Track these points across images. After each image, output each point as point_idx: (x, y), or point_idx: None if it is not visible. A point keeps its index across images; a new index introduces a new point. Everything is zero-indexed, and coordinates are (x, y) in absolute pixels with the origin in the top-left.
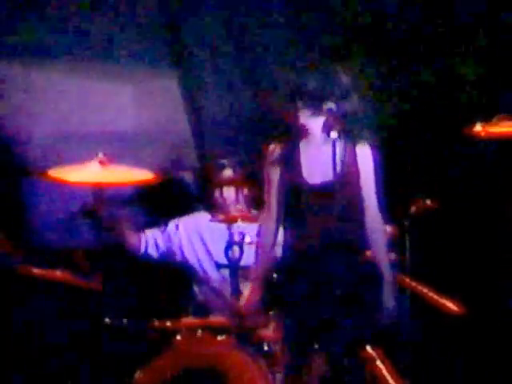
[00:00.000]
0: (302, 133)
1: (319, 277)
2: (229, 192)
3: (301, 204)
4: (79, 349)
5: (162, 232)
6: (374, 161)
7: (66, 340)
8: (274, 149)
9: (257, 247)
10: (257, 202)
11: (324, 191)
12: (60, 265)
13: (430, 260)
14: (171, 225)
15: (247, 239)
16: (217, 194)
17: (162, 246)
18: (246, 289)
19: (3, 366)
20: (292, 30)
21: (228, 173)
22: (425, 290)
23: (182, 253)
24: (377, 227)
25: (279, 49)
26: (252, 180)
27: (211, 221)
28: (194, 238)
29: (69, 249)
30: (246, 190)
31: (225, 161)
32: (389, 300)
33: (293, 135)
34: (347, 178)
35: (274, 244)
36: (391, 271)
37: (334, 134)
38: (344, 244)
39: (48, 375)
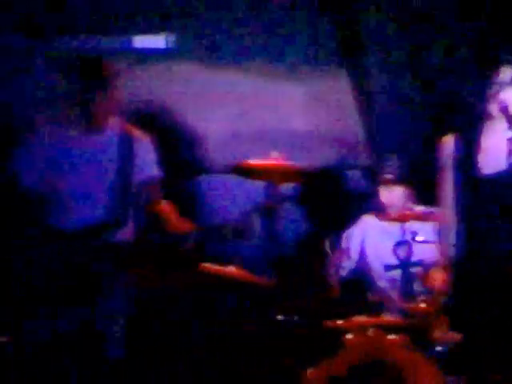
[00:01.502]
0: (478, 124)
1: (497, 276)
2: (395, 191)
3: (475, 198)
4: (251, 345)
5: (345, 254)
6: None
7: (237, 336)
8: (449, 141)
9: (438, 245)
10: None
11: (498, 185)
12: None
13: None
14: (344, 243)
15: (419, 238)
16: (384, 192)
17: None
18: (436, 275)
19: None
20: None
21: (395, 172)
22: None
23: (360, 261)
24: None
25: (451, 50)
26: (417, 179)
27: (381, 219)
28: (365, 243)
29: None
30: (411, 189)
31: (392, 159)
32: None
33: (469, 126)
34: None
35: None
36: None
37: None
38: None
39: (215, 373)
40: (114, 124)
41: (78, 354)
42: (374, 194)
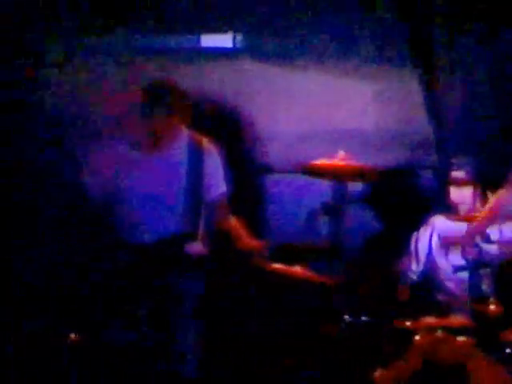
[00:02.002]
0: None
1: None
2: (464, 191)
3: None
4: (319, 344)
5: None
6: None
7: (302, 336)
8: None
9: (491, 211)
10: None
11: None
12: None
13: None
14: (413, 245)
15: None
16: (454, 192)
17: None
18: None
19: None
20: None
21: (462, 172)
22: None
23: (427, 262)
24: None
25: None
26: (486, 180)
27: (449, 219)
28: (432, 244)
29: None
30: (479, 190)
31: (462, 159)
32: None
33: None
34: None
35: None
36: None
37: None
38: None
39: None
40: (183, 135)
41: (150, 368)
42: (444, 195)
